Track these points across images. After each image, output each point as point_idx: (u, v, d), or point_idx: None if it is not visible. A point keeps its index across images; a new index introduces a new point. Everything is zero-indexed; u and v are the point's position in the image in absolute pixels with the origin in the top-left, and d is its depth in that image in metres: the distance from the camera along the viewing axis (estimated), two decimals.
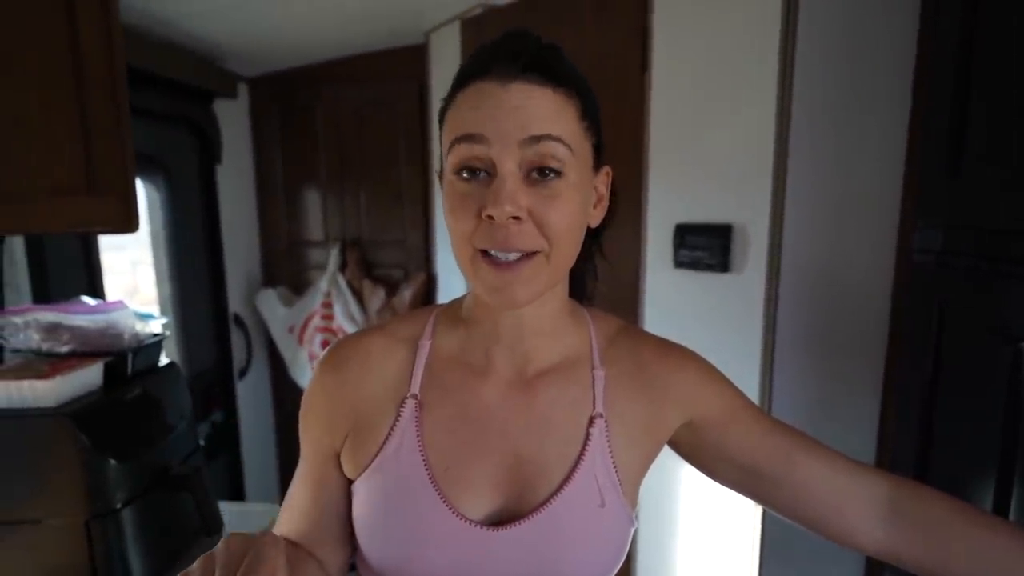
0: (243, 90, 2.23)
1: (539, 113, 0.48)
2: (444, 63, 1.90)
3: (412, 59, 2.05)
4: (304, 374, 2.27)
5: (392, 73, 2.14)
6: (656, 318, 1.40)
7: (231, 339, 2.22)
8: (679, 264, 1.30)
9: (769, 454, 0.58)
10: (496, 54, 0.49)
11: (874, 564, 1.07)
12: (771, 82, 1.12)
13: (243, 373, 2.27)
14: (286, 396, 2.44)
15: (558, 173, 0.49)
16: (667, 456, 0.62)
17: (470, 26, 1.72)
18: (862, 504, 0.57)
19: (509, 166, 0.48)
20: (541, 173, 0.48)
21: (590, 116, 0.52)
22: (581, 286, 0.66)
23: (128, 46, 1.11)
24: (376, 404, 0.57)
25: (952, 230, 0.85)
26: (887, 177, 1.03)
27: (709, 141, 1.25)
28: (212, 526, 1.04)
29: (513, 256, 0.49)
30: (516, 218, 0.48)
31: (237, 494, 2.25)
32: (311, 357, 2.24)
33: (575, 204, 0.51)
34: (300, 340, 2.25)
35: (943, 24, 0.91)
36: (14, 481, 0.86)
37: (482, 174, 0.49)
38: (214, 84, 1.99)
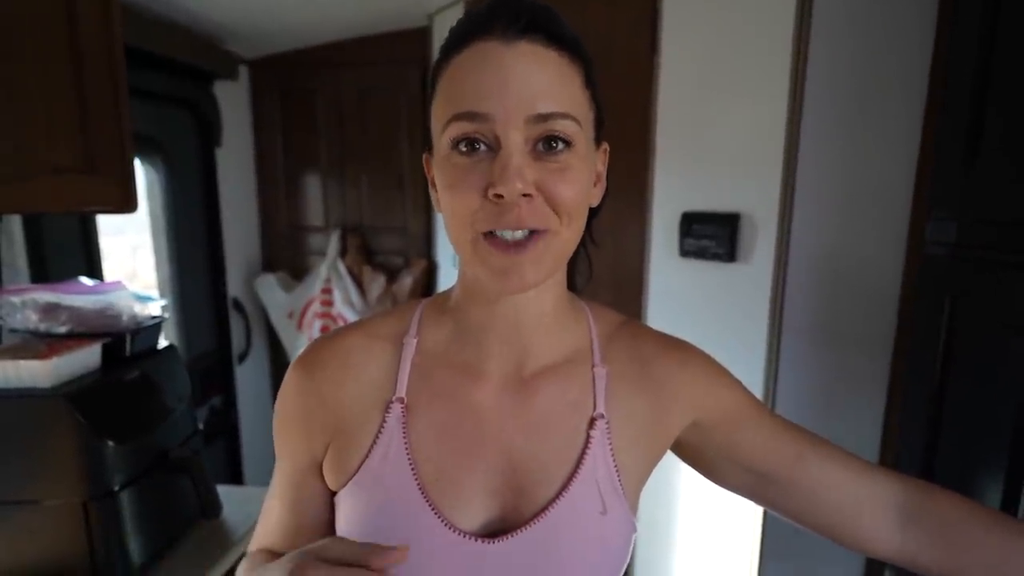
0: (244, 72, 2.19)
1: (546, 84, 0.44)
2: None
3: (415, 42, 2.02)
4: None
5: (395, 56, 2.11)
6: (661, 308, 1.39)
7: (230, 324, 2.20)
8: (685, 253, 1.28)
9: (779, 456, 0.56)
10: (496, 10, 0.45)
11: (873, 566, 1.06)
12: (783, 67, 1.10)
13: (242, 358, 2.26)
14: None
15: (567, 144, 0.45)
16: (665, 457, 0.60)
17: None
18: (877, 509, 0.55)
19: (515, 140, 0.44)
20: (548, 145, 0.45)
21: (593, 83, 0.49)
22: (574, 276, 0.62)
23: (128, 25, 1.09)
24: (359, 409, 0.53)
25: (966, 222, 0.84)
26: (900, 167, 1.02)
27: (718, 127, 1.23)
28: (211, 510, 1.03)
29: (521, 235, 0.45)
30: (526, 195, 0.44)
31: (235, 478, 2.25)
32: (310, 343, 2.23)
33: (585, 177, 0.47)
34: (299, 326, 2.24)
35: (963, 12, 0.88)
36: (11, 462, 0.85)
37: (483, 147, 0.45)
38: (215, 65, 1.96)
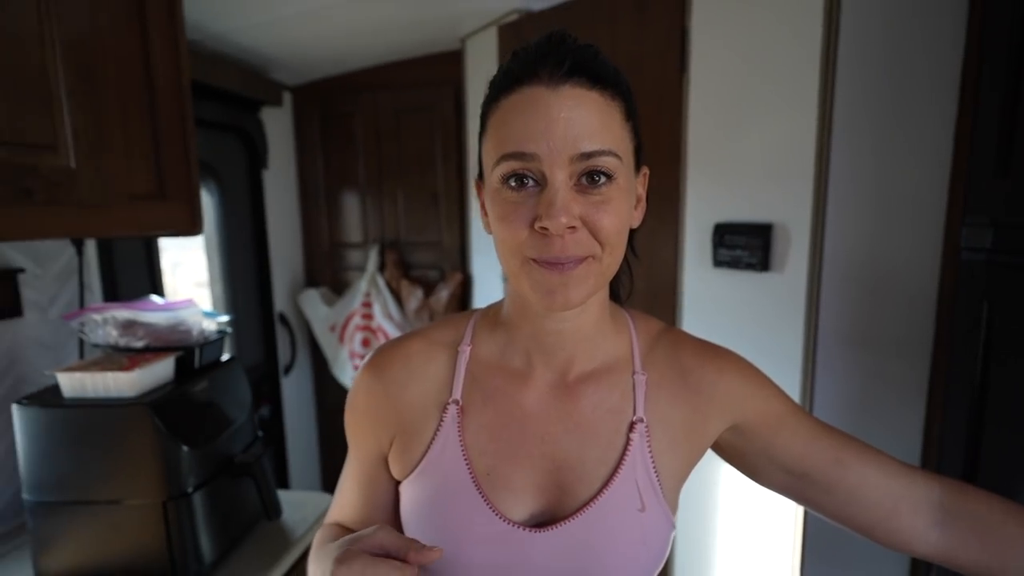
0: (287, 98, 2.31)
1: (589, 124, 0.47)
2: (480, 67, 1.94)
3: (448, 64, 2.11)
4: (344, 371, 2.35)
5: (428, 78, 2.19)
6: (695, 317, 1.42)
7: (277, 337, 2.30)
8: (718, 263, 1.31)
9: (818, 458, 0.58)
10: (542, 56, 0.48)
11: (919, 567, 1.06)
12: (813, 79, 1.12)
13: (288, 370, 2.36)
14: (327, 392, 2.53)
15: (609, 178, 0.49)
16: (706, 456, 0.63)
17: (507, 31, 1.76)
18: (915, 508, 0.56)
19: (560, 177, 0.48)
20: (591, 179, 0.49)
21: (633, 116, 0.52)
22: (617, 288, 0.66)
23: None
24: (419, 409, 0.59)
25: (1002, 228, 0.85)
26: (933, 173, 1.03)
27: (749, 140, 1.25)
28: (273, 512, 1.10)
29: (565, 259, 0.49)
30: (571, 228, 0.48)
31: (282, 484, 2.34)
32: (351, 355, 2.31)
33: (624, 207, 0.51)
34: (341, 339, 2.33)
35: (993, 17, 0.90)
36: (99, 465, 0.93)
37: (530, 183, 0.49)
38: (262, 93, 2.08)
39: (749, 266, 1.24)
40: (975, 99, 0.96)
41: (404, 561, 0.46)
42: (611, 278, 0.55)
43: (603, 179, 0.49)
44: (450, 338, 0.62)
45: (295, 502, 1.28)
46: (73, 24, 0.90)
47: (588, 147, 0.47)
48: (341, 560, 0.45)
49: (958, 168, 0.99)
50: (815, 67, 1.12)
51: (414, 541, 0.47)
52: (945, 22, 1.01)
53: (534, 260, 0.50)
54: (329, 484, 2.54)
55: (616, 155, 0.49)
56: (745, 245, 1.23)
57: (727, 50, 1.28)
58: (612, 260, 0.52)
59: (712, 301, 1.37)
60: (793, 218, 1.18)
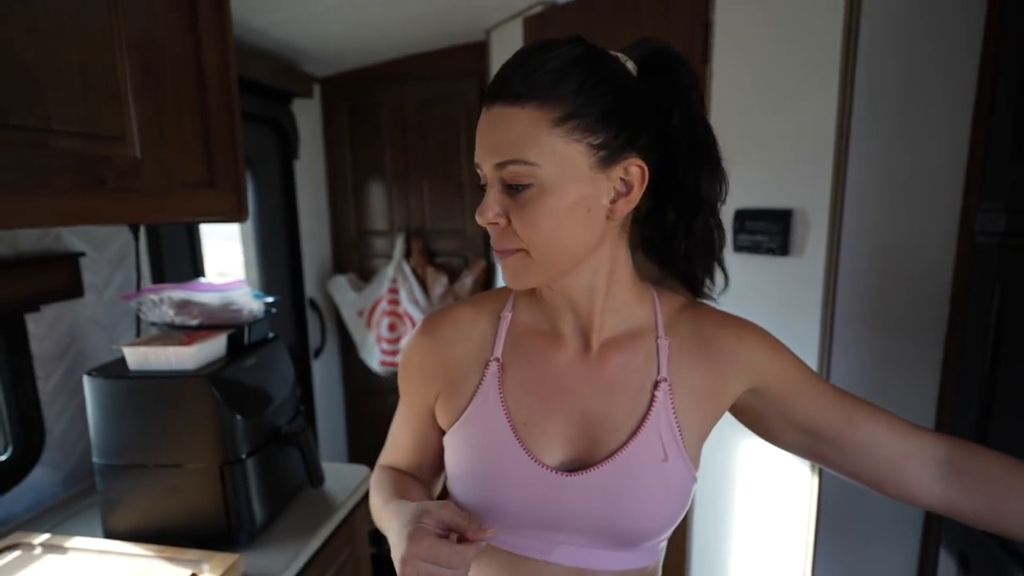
0: (317, 90, 2.38)
1: (504, 138, 0.55)
2: (505, 58, 1.98)
3: (473, 55, 2.15)
4: (372, 355, 2.43)
5: (454, 69, 2.24)
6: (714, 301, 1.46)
7: (307, 322, 2.39)
8: (739, 248, 1.35)
9: (831, 419, 0.63)
10: (494, 79, 0.57)
11: (931, 532, 1.10)
12: (833, 68, 1.15)
13: (318, 353, 2.45)
14: (355, 375, 2.62)
15: (526, 186, 0.55)
16: (725, 423, 0.68)
17: (532, 23, 1.80)
18: (921, 463, 0.61)
19: (492, 182, 0.57)
20: (511, 186, 0.56)
21: (580, 116, 0.54)
22: (692, 280, 0.69)
23: None
24: (464, 366, 0.66)
25: (1017, 212, 0.88)
26: (949, 159, 1.06)
27: (769, 129, 1.29)
28: (317, 479, 1.18)
29: (500, 250, 0.59)
30: (495, 224, 0.57)
31: None
32: (379, 339, 2.40)
33: (549, 207, 0.55)
34: (368, 323, 2.41)
35: (1012, 6, 0.92)
36: (163, 432, 1.02)
37: (487, 187, 0.59)
38: (294, 85, 2.15)
39: (769, 251, 1.28)
40: (993, 86, 0.98)
41: (463, 535, 0.54)
42: (563, 268, 0.60)
43: (521, 187, 0.55)
44: (494, 306, 0.70)
45: (334, 473, 1.36)
46: (137, 25, 0.97)
47: (499, 158, 0.55)
48: (412, 538, 0.53)
49: (975, 154, 1.02)
50: (835, 56, 1.15)
51: (473, 520, 0.55)
52: (963, 11, 1.03)
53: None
54: (356, 461, 2.63)
55: (528, 163, 0.54)
56: (765, 230, 1.27)
57: (750, 40, 1.31)
58: (544, 255, 0.57)
59: (732, 284, 1.41)
60: (812, 204, 1.21)
